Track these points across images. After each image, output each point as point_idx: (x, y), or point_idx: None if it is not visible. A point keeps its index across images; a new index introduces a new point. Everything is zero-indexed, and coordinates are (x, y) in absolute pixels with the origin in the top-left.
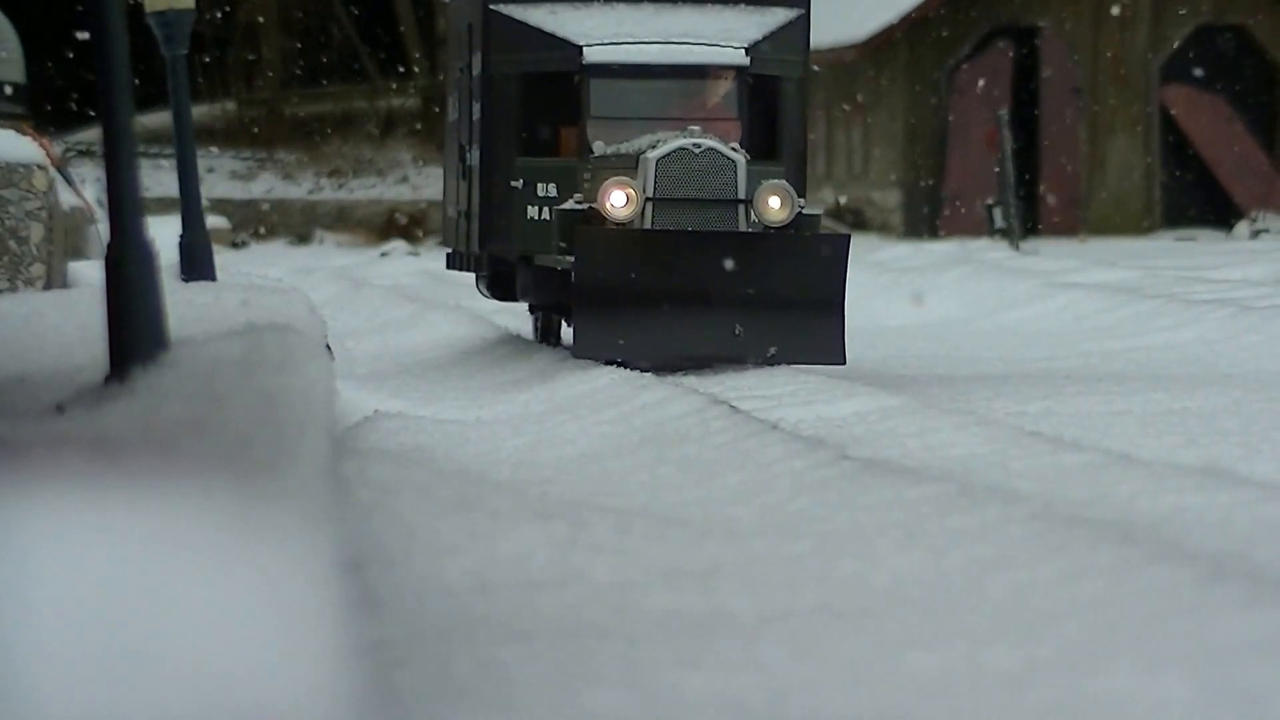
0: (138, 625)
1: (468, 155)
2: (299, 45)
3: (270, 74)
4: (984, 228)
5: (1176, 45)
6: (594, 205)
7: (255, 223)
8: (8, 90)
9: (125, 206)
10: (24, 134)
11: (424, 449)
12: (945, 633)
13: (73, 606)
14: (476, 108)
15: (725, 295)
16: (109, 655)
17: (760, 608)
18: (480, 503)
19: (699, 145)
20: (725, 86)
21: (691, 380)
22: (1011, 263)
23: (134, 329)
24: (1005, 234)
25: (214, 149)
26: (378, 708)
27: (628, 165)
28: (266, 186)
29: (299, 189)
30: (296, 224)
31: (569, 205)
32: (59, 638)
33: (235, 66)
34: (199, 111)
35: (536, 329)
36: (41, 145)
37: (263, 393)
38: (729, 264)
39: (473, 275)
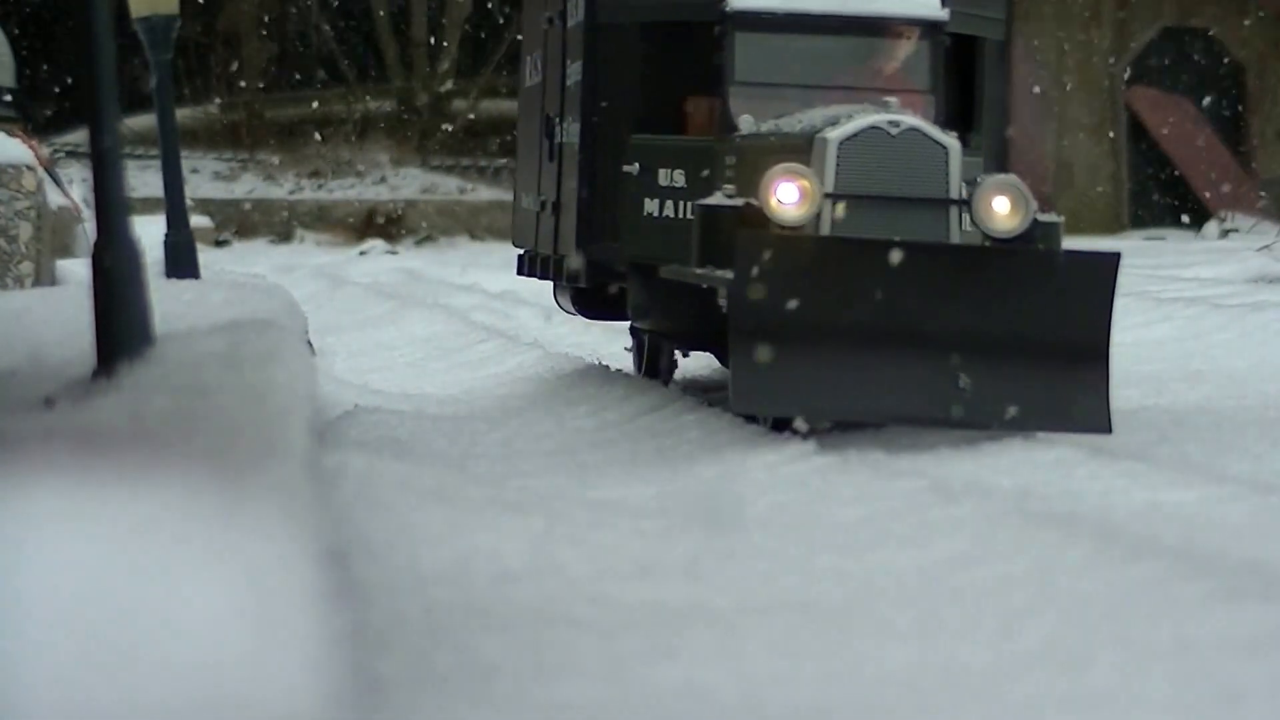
0: (124, 615)
1: (558, 130)
2: (279, 51)
3: (252, 78)
4: None
5: (1141, 47)
6: (752, 201)
7: (237, 222)
8: None
9: (112, 206)
10: (13, 136)
11: (403, 442)
12: (922, 627)
13: (60, 598)
14: (574, 68)
15: (945, 334)
16: (95, 646)
17: (737, 601)
18: (459, 495)
19: (896, 123)
20: (914, 48)
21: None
22: None
23: (120, 325)
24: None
25: (197, 151)
26: (359, 696)
27: (791, 148)
28: (248, 187)
29: (280, 189)
30: (278, 223)
31: (716, 200)
32: (46, 629)
33: (218, 71)
34: (183, 114)
35: (640, 359)
36: (30, 146)
37: (246, 387)
38: (951, 289)
39: (550, 284)
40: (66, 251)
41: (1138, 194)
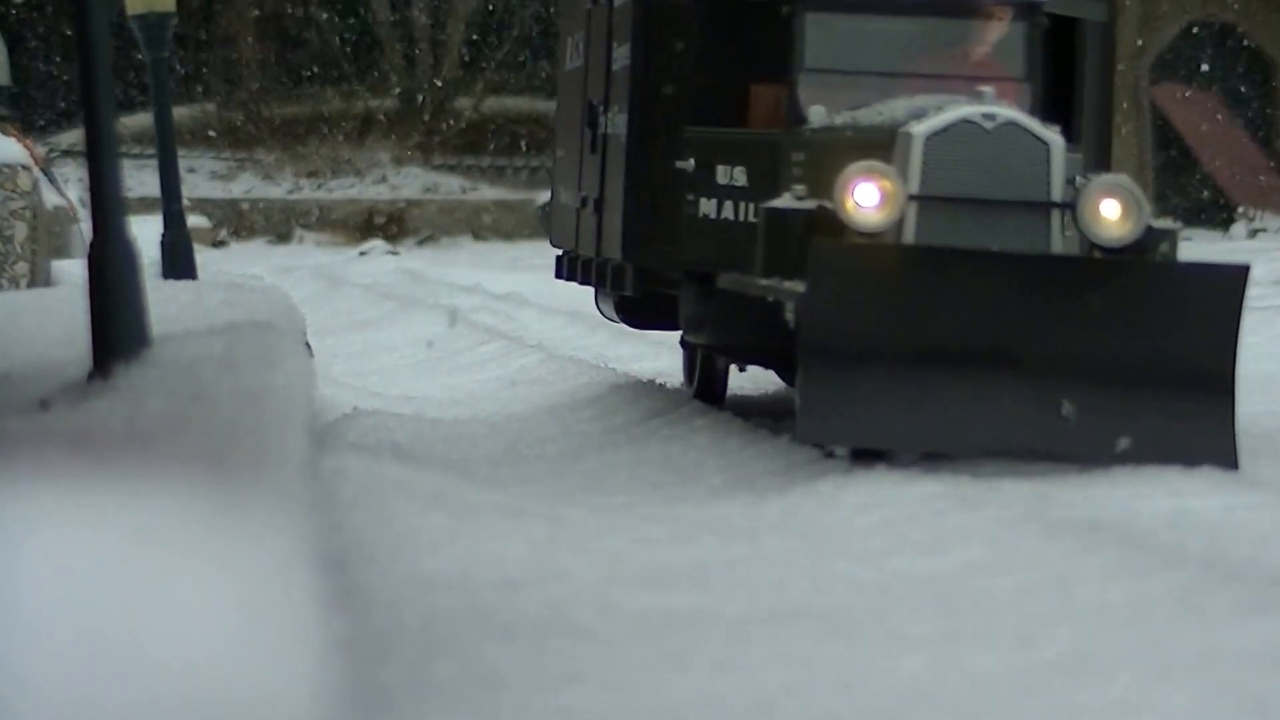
0: (120, 620)
1: (602, 119)
2: (278, 48)
3: (250, 76)
4: None
5: (1166, 42)
6: (825, 204)
7: (235, 222)
8: None
9: (108, 206)
10: (8, 135)
11: (403, 445)
12: (938, 636)
13: (56, 601)
14: (622, 52)
15: (1045, 356)
16: (92, 649)
17: (746, 609)
18: (461, 499)
19: (991, 116)
20: (1007, 30)
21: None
22: None
23: (117, 326)
24: None
25: (195, 150)
26: (358, 705)
27: (870, 144)
28: (246, 186)
29: (278, 189)
30: (276, 223)
31: (785, 202)
32: (42, 631)
33: (215, 69)
34: (180, 113)
35: (691, 374)
36: (26, 146)
37: (244, 389)
38: (1053, 306)
39: (590, 289)
40: (62, 252)
41: (1163, 193)
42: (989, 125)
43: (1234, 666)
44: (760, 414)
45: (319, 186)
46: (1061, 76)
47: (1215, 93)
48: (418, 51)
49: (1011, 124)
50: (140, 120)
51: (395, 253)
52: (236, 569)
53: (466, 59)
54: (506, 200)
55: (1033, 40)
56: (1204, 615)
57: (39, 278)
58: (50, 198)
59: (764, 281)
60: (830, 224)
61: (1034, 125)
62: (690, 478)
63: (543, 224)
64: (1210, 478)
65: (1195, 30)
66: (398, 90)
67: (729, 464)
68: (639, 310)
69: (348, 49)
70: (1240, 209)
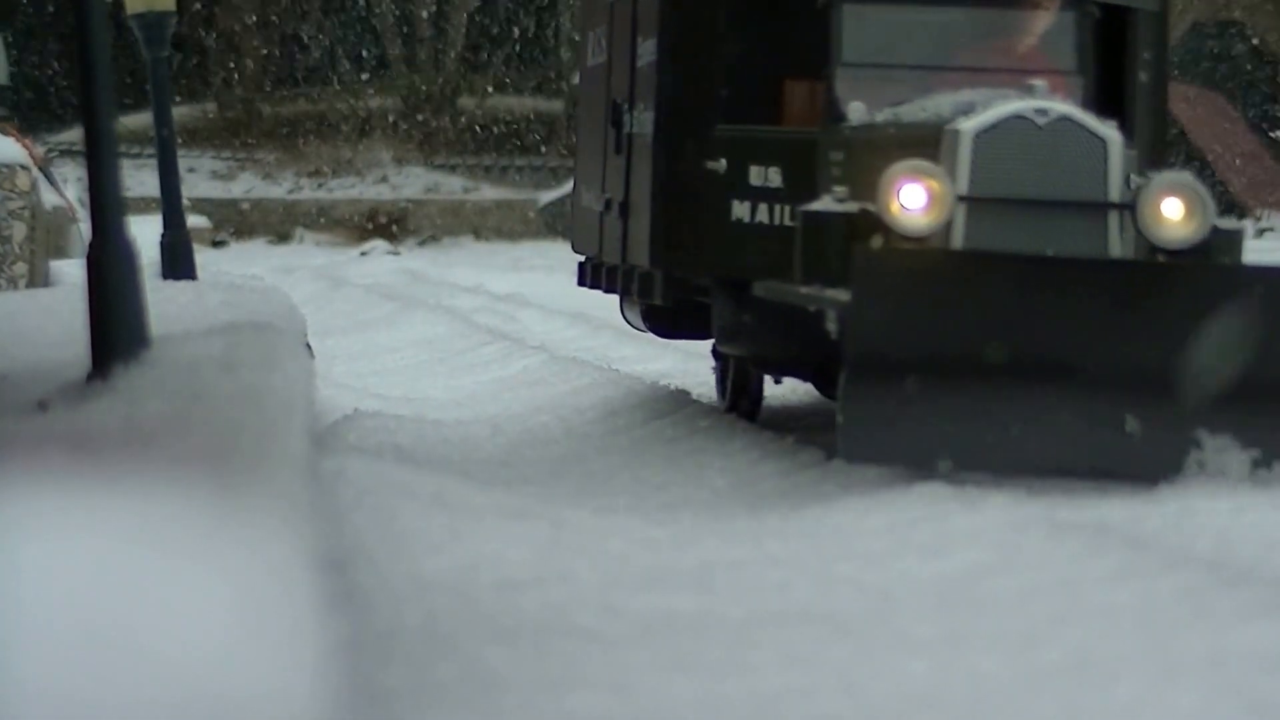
0: (119, 622)
1: (627, 118)
2: (278, 46)
3: (250, 75)
4: None
5: (1175, 41)
6: (868, 206)
7: (235, 222)
8: None
9: (107, 206)
10: (7, 134)
11: (404, 447)
12: (943, 638)
13: (54, 603)
14: (647, 46)
15: (1107, 368)
16: (91, 651)
17: (750, 611)
18: (462, 501)
19: (1044, 111)
20: (1056, 20)
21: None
22: None
23: (116, 327)
24: None
25: (195, 149)
26: (358, 708)
27: (915, 141)
28: (246, 186)
29: (279, 189)
30: (276, 223)
31: (824, 205)
32: (41, 634)
33: (215, 68)
34: (179, 112)
35: (724, 387)
36: (24, 145)
37: (243, 390)
38: (1114, 314)
39: (615, 296)
40: (61, 252)
41: None
42: (1042, 121)
43: (1240, 668)
44: (776, 424)
45: (320, 186)
46: (1111, 69)
47: (1221, 91)
48: (419, 50)
49: (1066, 119)
50: (140, 119)
51: (396, 253)
52: (236, 571)
53: (468, 57)
54: (509, 200)
55: (1083, 30)
56: (1210, 617)
57: (37, 278)
58: (49, 197)
59: (803, 290)
60: (873, 228)
61: (1089, 120)
62: (693, 479)
63: (544, 224)
64: (1219, 479)
65: (1202, 29)
66: (399, 89)
67: (732, 466)
68: (668, 319)
69: (349, 47)
70: (1248, 208)
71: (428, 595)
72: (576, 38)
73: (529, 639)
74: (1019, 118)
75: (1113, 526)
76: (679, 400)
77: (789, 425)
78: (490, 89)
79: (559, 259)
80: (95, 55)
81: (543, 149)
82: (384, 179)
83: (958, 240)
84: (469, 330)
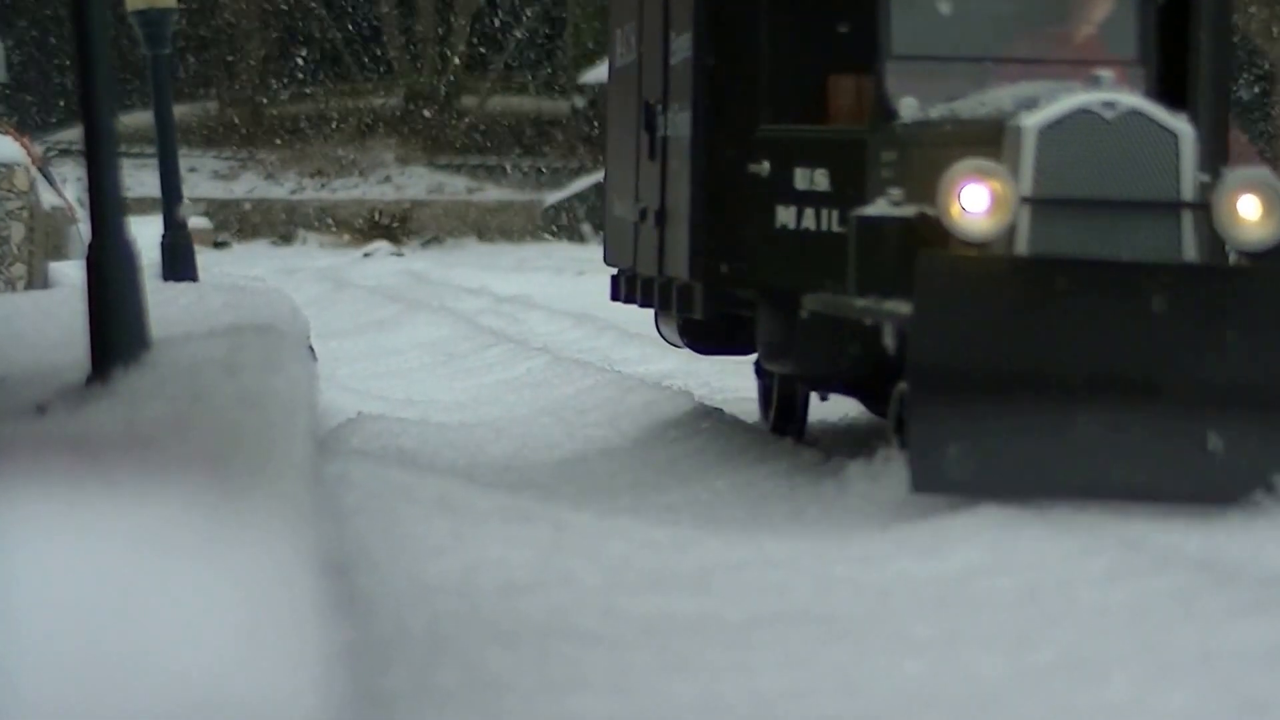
0: (120, 626)
1: (661, 120)
2: (281, 45)
3: (252, 74)
4: None
5: None
6: (926, 210)
7: (237, 223)
8: None
9: (107, 206)
10: (5, 133)
11: (407, 450)
12: (938, 638)
13: (55, 606)
14: (682, 42)
15: (1188, 382)
16: (92, 656)
17: (749, 612)
18: (465, 504)
19: (1112, 104)
20: (1117, 7)
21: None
22: None
23: (116, 329)
24: None
25: (196, 149)
26: (361, 711)
27: (974, 139)
28: (248, 186)
29: (281, 189)
30: (279, 224)
31: (879, 209)
32: (41, 638)
33: (217, 66)
34: (180, 111)
35: (768, 406)
36: (23, 145)
37: (245, 393)
38: (1195, 323)
39: (649, 310)
40: (60, 253)
41: None
42: (1109, 115)
43: (1231, 666)
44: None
45: (322, 187)
46: (1172, 58)
47: None
48: (422, 49)
49: (1135, 113)
50: (140, 118)
51: (400, 254)
52: (238, 575)
53: (472, 56)
54: (512, 201)
55: (1146, 16)
56: (1201, 616)
57: (36, 279)
58: (48, 198)
59: (860, 302)
60: (932, 233)
61: (1160, 113)
62: (694, 481)
63: (546, 225)
64: None
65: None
66: (402, 89)
67: (732, 467)
68: (707, 334)
69: (352, 46)
70: None
71: (430, 599)
72: (577, 37)
73: (531, 642)
74: (1085, 112)
75: (1105, 527)
76: (681, 402)
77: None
78: (494, 88)
79: (563, 259)
80: (95, 53)
81: (545, 149)
82: (387, 179)
83: (1021, 245)
84: (473, 332)
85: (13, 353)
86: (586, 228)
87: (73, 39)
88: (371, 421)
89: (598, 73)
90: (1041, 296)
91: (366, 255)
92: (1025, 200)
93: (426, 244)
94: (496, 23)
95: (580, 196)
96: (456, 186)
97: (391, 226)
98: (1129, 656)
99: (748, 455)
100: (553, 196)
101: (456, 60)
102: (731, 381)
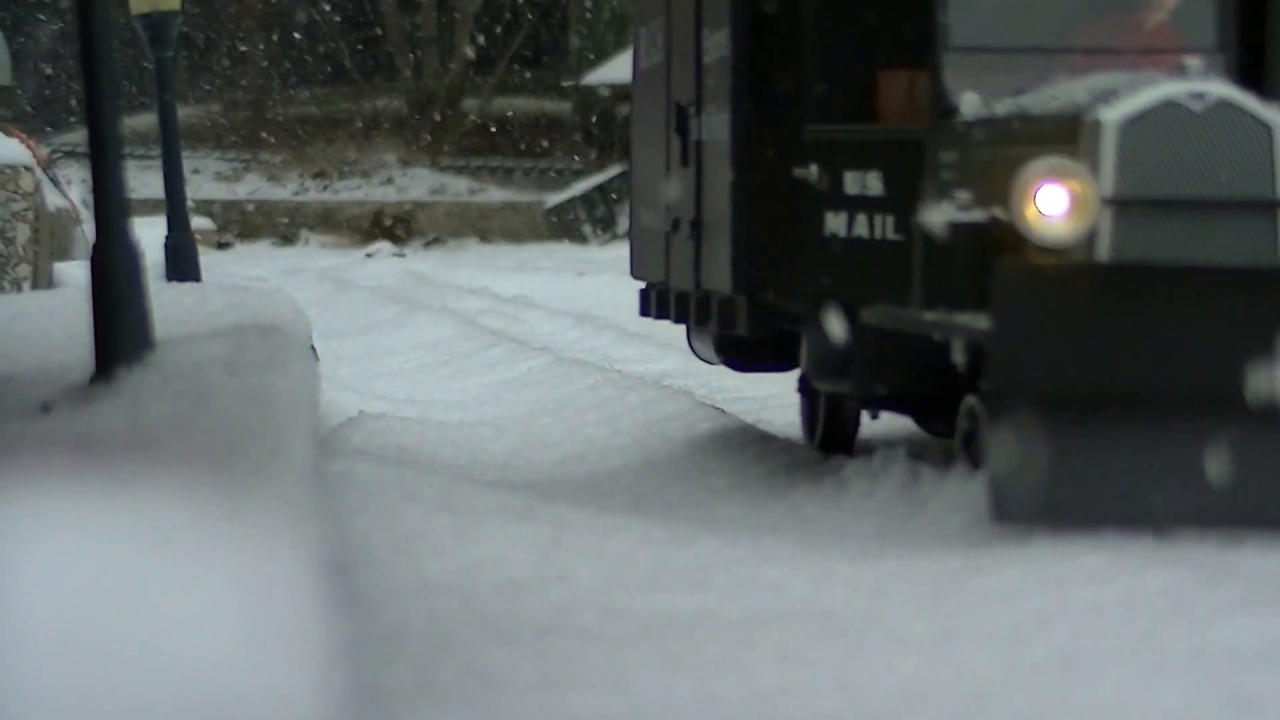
0: (123, 624)
1: (694, 123)
2: (284, 48)
3: (255, 76)
4: None
5: None
6: (998, 214)
7: (240, 224)
8: None
9: (111, 208)
10: (10, 135)
11: (408, 449)
12: (933, 636)
13: (58, 604)
14: (717, 39)
15: None
16: (95, 653)
17: (746, 610)
18: (465, 503)
19: (1199, 95)
20: None
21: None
22: None
23: (120, 329)
24: None
25: (199, 150)
26: (361, 708)
27: (1046, 136)
28: (251, 188)
29: (284, 190)
30: (282, 225)
31: (945, 215)
32: (44, 636)
33: (220, 68)
34: (184, 113)
35: (813, 425)
36: (28, 147)
37: (248, 393)
38: None
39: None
40: (65, 254)
41: None
42: (1197, 107)
43: (1223, 663)
44: (774, 424)
45: (325, 188)
46: (1248, 47)
47: None
48: (425, 52)
49: (1226, 104)
50: (144, 120)
51: (402, 255)
52: (240, 573)
53: (475, 58)
54: (514, 202)
55: (1225, 2)
56: (1192, 614)
57: (41, 280)
58: (53, 199)
59: (928, 315)
60: (1007, 239)
61: (1253, 104)
62: (692, 479)
63: (548, 226)
64: None
65: None
66: (405, 91)
67: (730, 466)
68: (747, 350)
69: (356, 48)
70: None
71: (430, 597)
72: (586, 37)
73: (530, 639)
74: (1171, 103)
75: (1099, 524)
76: (680, 401)
77: (787, 424)
78: (496, 90)
79: (565, 260)
80: (100, 56)
81: (541, 148)
82: (389, 181)
83: (1104, 250)
84: (474, 332)
85: (18, 352)
86: (587, 229)
87: (77, 42)
88: (373, 420)
89: (600, 74)
90: (1133, 307)
91: (369, 256)
92: (1107, 201)
93: (428, 245)
94: (499, 27)
95: (582, 198)
96: (458, 188)
97: (393, 227)
98: (1122, 653)
99: (746, 454)
100: (554, 198)
101: (459, 61)
102: (730, 381)
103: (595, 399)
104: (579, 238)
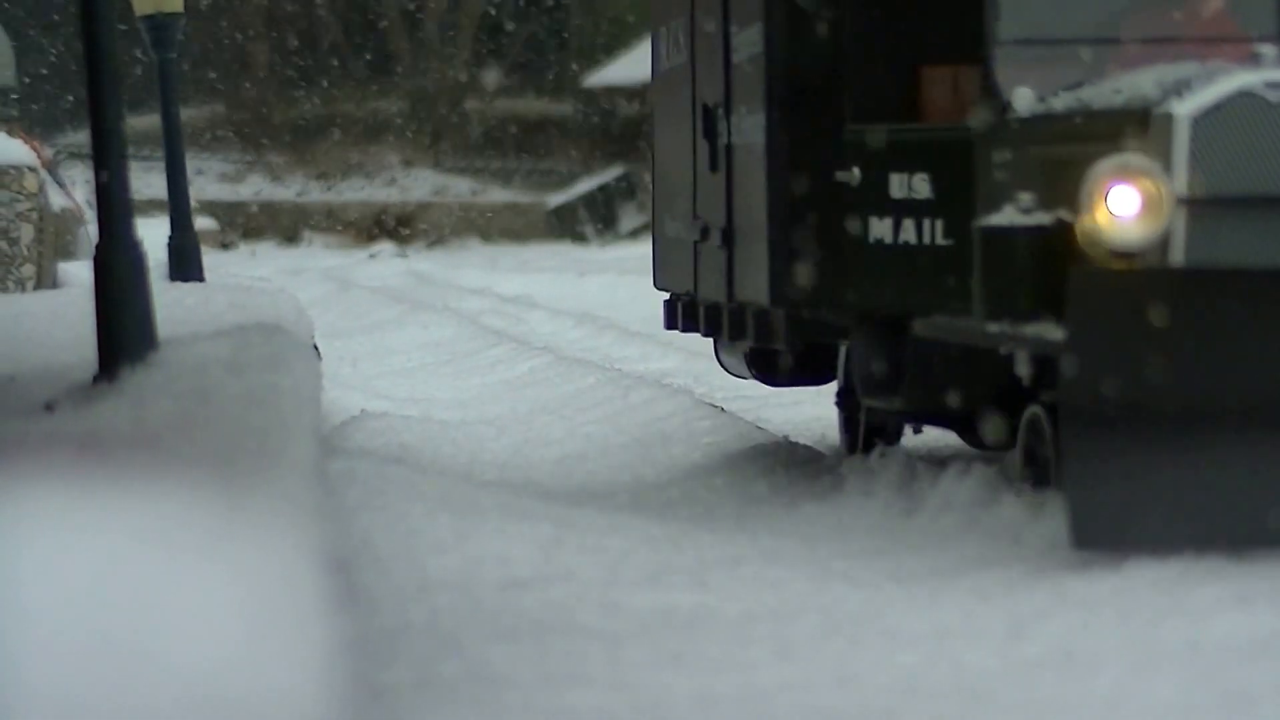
0: (126, 621)
1: (724, 126)
2: (287, 49)
3: (258, 78)
4: None
5: None
6: (1063, 216)
7: (243, 224)
8: None
9: (115, 208)
10: (14, 136)
11: (410, 448)
12: (931, 631)
13: (61, 602)
14: (747, 37)
15: None
16: (98, 651)
17: (746, 607)
18: (467, 501)
19: (1276, 84)
20: None
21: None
22: None
23: (123, 329)
24: None
25: (203, 151)
26: (363, 705)
27: (1113, 132)
28: (255, 188)
29: (287, 191)
30: (285, 225)
31: (1007, 218)
32: (48, 633)
33: (224, 70)
34: (188, 114)
35: (853, 440)
36: (32, 147)
37: (251, 392)
38: None
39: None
40: (68, 254)
41: None
42: (1275, 97)
43: (1217, 658)
44: (773, 423)
45: (328, 188)
46: None
47: None
48: (428, 53)
49: None
50: (148, 121)
51: (404, 255)
52: (243, 571)
53: (477, 59)
54: (516, 203)
55: None
56: (1187, 609)
57: (45, 280)
58: (57, 199)
59: (991, 327)
60: (1075, 244)
61: None
62: (692, 477)
63: (550, 227)
64: None
65: None
66: (408, 92)
67: (730, 464)
68: (779, 363)
69: (360, 50)
70: None
71: (432, 594)
72: (582, 37)
73: (531, 636)
74: (1247, 94)
75: None
76: (681, 400)
77: (785, 423)
78: (498, 91)
79: (566, 261)
80: (103, 57)
81: (542, 149)
82: (392, 181)
83: (1178, 253)
84: (476, 332)
85: (22, 352)
86: (589, 229)
87: (81, 43)
88: (375, 419)
89: (601, 75)
90: (1217, 314)
91: (371, 256)
92: (1182, 201)
93: (431, 245)
94: (502, 27)
95: (583, 198)
96: (461, 189)
97: (396, 228)
98: (1117, 648)
99: (746, 452)
100: (556, 198)
101: (462, 62)
102: (730, 380)
103: (596, 398)
104: (580, 238)
